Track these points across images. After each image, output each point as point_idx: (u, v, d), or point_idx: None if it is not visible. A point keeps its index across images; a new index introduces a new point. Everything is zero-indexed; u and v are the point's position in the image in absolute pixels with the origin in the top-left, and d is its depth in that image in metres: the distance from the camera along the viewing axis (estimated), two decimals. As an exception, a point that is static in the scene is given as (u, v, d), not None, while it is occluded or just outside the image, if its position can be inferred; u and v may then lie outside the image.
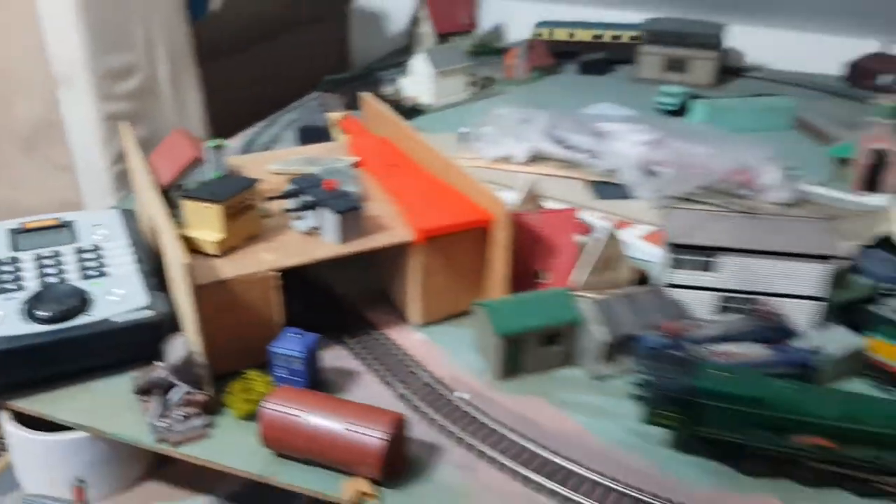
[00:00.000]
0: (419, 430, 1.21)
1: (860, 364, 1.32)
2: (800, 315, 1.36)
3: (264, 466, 1.15)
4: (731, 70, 2.86)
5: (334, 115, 2.03)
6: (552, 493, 1.10)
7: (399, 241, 1.34)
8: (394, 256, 1.41)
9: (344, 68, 3.07)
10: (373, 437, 1.08)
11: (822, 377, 1.28)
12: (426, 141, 1.59)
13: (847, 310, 1.40)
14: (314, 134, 2.07)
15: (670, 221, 1.41)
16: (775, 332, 1.32)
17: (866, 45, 2.80)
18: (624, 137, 1.99)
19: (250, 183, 1.32)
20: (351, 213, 1.30)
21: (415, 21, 3.10)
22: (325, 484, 1.12)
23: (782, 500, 1.11)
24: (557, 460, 1.15)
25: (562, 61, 2.94)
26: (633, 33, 2.91)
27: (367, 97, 1.86)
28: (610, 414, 1.25)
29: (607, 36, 2.99)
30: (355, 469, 1.10)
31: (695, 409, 1.11)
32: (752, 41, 2.93)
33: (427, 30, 3.04)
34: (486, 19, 3.35)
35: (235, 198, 1.28)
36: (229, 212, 1.27)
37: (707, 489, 1.12)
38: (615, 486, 1.11)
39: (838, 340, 1.32)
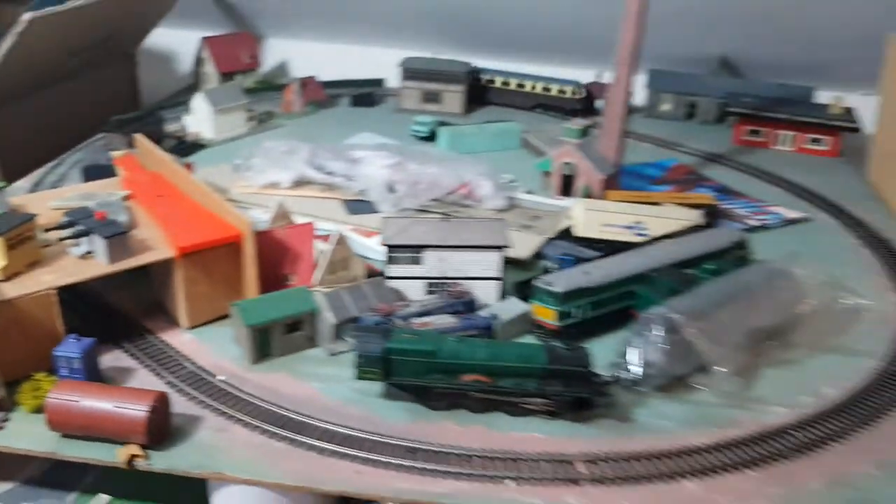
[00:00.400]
0: (184, 406, 1.52)
1: (528, 324, 1.77)
2: (484, 292, 1.80)
3: (53, 446, 1.41)
4: (478, 99, 3.36)
5: (117, 154, 2.29)
6: (286, 438, 1.44)
7: (161, 258, 1.64)
8: (163, 272, 1.71)
9: (135, 108, 3.29)
10: (137, 410, 1.38)
11: (500, 336, 1.72)
12: (188, 172, 1.91)
13: (523, 285, 1.86)
14: (99, 172, 2.29)
15: (386, 227, 1.81)
16: (464, 305, 1.74)
17: (585, 76, 3.39)
18: (372, 162, 2.38)
19: (29, 218, 1.58)
20: (117, 237, 1.59)
21: (199, 61, 3.38)
22: (104, 453, 1.40)
23: (458, 423, 1.51)
24: (293, 416, 1.50)
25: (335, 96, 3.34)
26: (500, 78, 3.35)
27: (139, 137, 2.14)
28: (339, 380, 1.61)
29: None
30: (126, 438, 1.39)
31: (388, 364, 1.50)
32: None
33: (211, 69, 3.33)
34: (270, 57, 3.70)
35: (14, 231, 1.53)
36: (10, 243, 1.52)
37: (405, 423, 1.51)
38: (335, 429, 1.47)
39: (511, 308, 1.77)
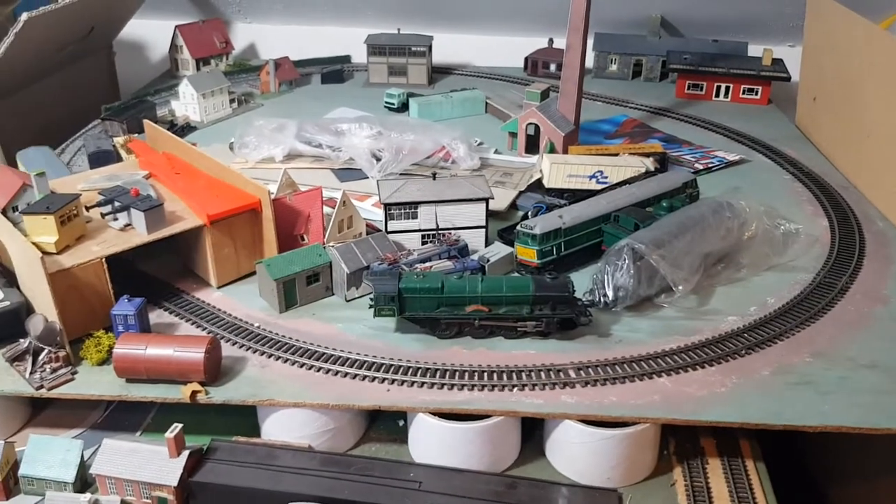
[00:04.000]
0: (228, 350, 1.75)
1: (513, 263, 2.03)
2: (472, 239, 2.06)
3: (122, 390, 1.64)
4: (441, 70, 3.60)
5: (119, 139, 2.48)
6: (322, 368, 1.69)
7: (193, 226, 1.86)
8: (192, 239, 1.93)
9: (115, 97, 3.44)
10: (195, 352, 1.61)
11: (490, 274, 1.98)
12: (200, 150, 2.12)
13: (506, 231, 2.13)
14: (103, 157, 2.48)
15: (382, 189, 2.05)
16: (457, 251, 2.00)
17: (538, 42, 3.65)
18: (355, 133, 2.61)
19: (74, 197, 1.78)
20: (153, 209, 1.81)
21: (174, 48, 3.54)
22: (168, 392, 1.63)
23: (465, 347, 1.78)
24: (324, 350, 1.75)
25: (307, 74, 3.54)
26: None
27: (147, 122, 2.33)
28: (358, 320, 1.86)
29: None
30: (187, 377, 1.62)
31: (401, 301, 1.75)
32: (455, 47, 3.69)
33: (186, 56, 3.50)
34: (241, 40, 3.87)
35: (64, 209, 1.73)
36: (61, 219, 1.73)
37: (420, 350, 1.76)
38: (362, 358, 1.72)
39: (497, 251, 2.03)
